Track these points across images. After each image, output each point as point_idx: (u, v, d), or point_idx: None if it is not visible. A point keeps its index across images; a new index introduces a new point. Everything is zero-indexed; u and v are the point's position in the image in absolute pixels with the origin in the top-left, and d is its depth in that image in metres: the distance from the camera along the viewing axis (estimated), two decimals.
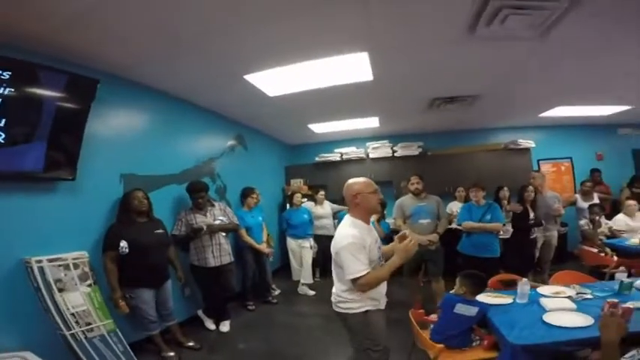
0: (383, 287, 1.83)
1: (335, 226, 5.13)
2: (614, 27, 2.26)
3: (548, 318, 1.90)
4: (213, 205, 3.45)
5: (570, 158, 5.92)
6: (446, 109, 4.35)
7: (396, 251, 1.77)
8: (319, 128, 5.33)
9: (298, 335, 3.29)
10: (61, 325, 2.12)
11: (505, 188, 4.19)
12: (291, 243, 4.64)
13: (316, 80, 3.16)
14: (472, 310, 2.04)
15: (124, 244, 2.58)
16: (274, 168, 6.06)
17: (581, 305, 2.07)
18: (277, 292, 4.44)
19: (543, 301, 2.15)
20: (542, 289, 2.38)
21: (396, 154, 5.89)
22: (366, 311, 1.76)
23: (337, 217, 5.27)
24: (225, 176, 4.30)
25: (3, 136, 2.01)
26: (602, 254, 3.60)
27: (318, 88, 3.31)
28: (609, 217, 4.42)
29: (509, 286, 2.42)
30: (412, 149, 5.83)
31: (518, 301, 2.23)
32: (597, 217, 4.26)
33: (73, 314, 2.19)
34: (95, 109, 2.47)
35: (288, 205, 5.49)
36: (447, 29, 2.26)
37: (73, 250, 2.42)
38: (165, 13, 1.98)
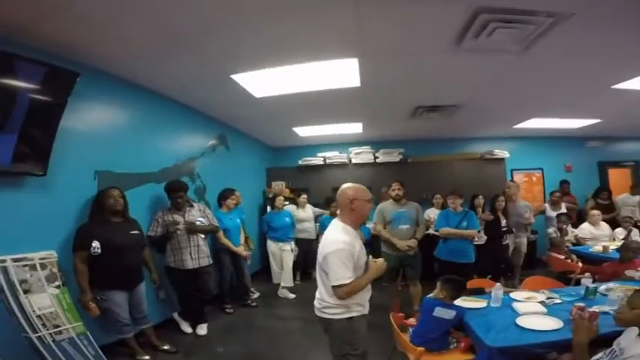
0: (368, 293, 1.84)
1: (316, 230, 5.20)
2: (591, 44, 2.41)
3: (521, 321, 1.98)
4: (192, 206, 3.37)
5: (541, 169, 6.24)
6: (428, 118, 4.49)
7: (371, 268, 1.80)
8: (304, 131, 5.34)
9: (278, 339, 3.26)
10: (27, 328, 2.00)
11: (480, 196, 4.35)
12: (272, 246, 4.60)
13: (304, 84, 3.17)
14: (450, 314, 2.09)
15: (96, 244, 2.46)
16: (256, 169, 5.99)
17: (551, 309, 2.17)
18: (256, 295, 4.38)
19: (516, 305, 2.25)
20: (515, 294, 2.48)
21: (377, 160, 5.99)
22: (351, 317, 1.76)
23: (319, 220, 5.28)
24: (205, 176, 4.21)
25: None
26: (569, 261, 3.79)
27: (306, 91, 3.33)
28: (575, 225, 4.69)
29: (477, 293, 2.51)
30: (393, 156, 5.95)
31: (492, 305, 2.31)
32: (564, 226, 4.52)
33: (39, 316, 2.07)
34: (72, 102, 2.36)
35: (269, 208, 5.45)
36: (435, 40, 2.33)
37: (41, 249, 2.28)
38: (153, 9, 1.94)
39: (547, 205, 5.13)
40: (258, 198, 5.92)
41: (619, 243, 3.89)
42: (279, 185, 6.03)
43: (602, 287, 2.44)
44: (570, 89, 3.52)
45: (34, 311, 2.05)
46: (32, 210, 2.32)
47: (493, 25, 2.02)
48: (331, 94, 3.44)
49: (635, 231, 4.38)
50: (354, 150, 6.08)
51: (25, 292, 2.07)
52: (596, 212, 4.56)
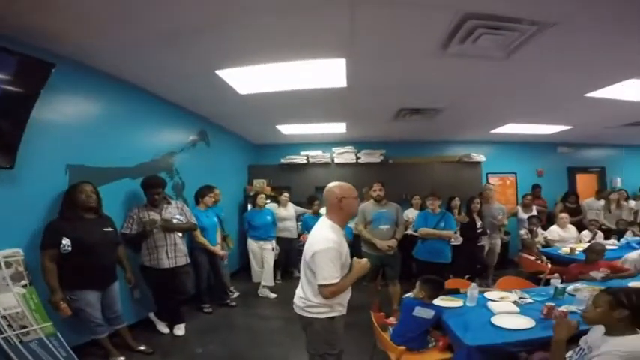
0: (348, 293, 1.85)
1: (298, 229, 5.19)
2: (568, 53, 2.53)
3: (496, 320, 2.07)
4: (169, 203, 3.27)
5: (515, 173, 6.51)
6: (410, 120, 4.57)
7: (354, 267, 1.81)
8: (287, 130, 5.30)
9: (259, 338, 3.23)
10: None
11: (457, 198, 4.48)
12: (252, 244, 4.53)
13: (290, 82, 3.14)
14: (430, 313, 2.15)
15: (66, 241, 2.34)
16: (237, 167, 5.89)
17: (524, 308, 2.28)
18: (236, 294, 4.31)
19: (490, 304, 2.34)
20: (489, 294, 2.58)
21: (359, 161, 6.04)
22: (333, 317, 1.77)
23: (301, 219, 5.27)
24: (184, 173, 4.10)
25: None
26: (539, 261, 3.99)
27: (291, 89, 3.30)
28: (545, 228, 4.93)
29: (452, 292, 2.59)
30: (375, 157, 6.03)
31: (467, 304, 2.39)
32: (535, 228, 4.74)
33: (4, 317, 1.98)
34: (46, 93, 2.23)
35: (249, 206, 5.38)
36: (423, 44, 2.37)
37: (6, 247, 2.16)
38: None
39: (519, 208, 5.36)
40: (238, 196, 5.83)
41: (584, 245, 4.14)
42: (260, 183, 5.97)
43: (570, 287, 2.59)
44: (547, 96, 3.67)
45: None
46: None
47: (480, 31, 2.08)
48: (317, 94, 3.44)
49: (599, 234, 4.66)
50: (337, 150, 6.11)
51: None
52: (564, 215, 4.81)
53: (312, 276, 1.73)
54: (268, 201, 4.97)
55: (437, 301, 2.28)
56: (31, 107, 2.18)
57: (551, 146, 6.48)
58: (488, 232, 4.52)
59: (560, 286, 2.56)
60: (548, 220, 5.46)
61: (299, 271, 5.77)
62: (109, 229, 2.66)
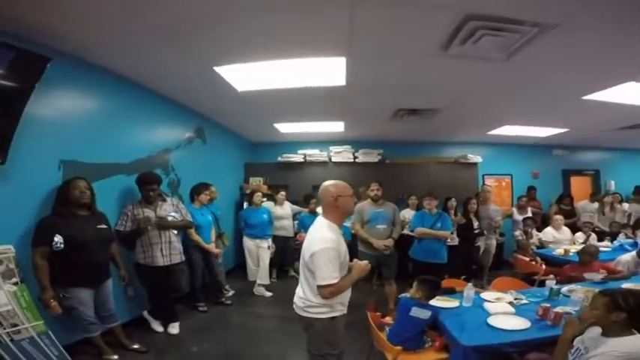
0: (349, 293, 1.84)
1: (294, 228, 5.17)
2: (568, 55, 2.53)
3: (492, 321, 2.07)
4: (164, 200, 3.23)
5: (511, 175, 6.54)
6: (408, 120, 4.57)
7: (355, 269, 1.81)
8: (285, 128, 5.27)
9: (254, 337, 3.21)
10: None
11: (453, 199, 4.50)
12: (248, 242, 4.51)
13: (289, 80, 3.11)
14: (426, 314, 2.15)
15: (58, 238, 2.30)
16: (233, 164, 5.86)
17: (519, 309, 2.28)
18: (231, 292, 4.28)
19: (486, 305, 2.34)
20: (485, 294, 2.58)
21: (357, 160, 6.03)
22: (334, 317, 1.76)
23: (297, 218, 5.25)
24: (180, 169, 4.06)
25: None
26: (534, 263, 4.01)
27: (290, 87, 3.27)
28: (539, 229, 4.96)
29: (448, 293, 2.60)
30: (372, 156, 6.02)
31: (464, 304, 2.40)
32: (530, 229, 4.77)
33: None
34: (40, 88, 2.19)
35: (245, 204, 5.35)
36: (424, 44, 2.36)
37: None
38: None
39: (514, 209, 5.39)
40: (234, 193, 5.80)
41: (579, 247, 4.17)
42: (257, 181, 5.94)
43: (565, 289, 2.60)
44: (545, 98, 3.68)
45: None
46: None
47: (481, 32, 2.07)
48: (316, 92, 3.42)
49: (593, 236, 4.71)
50: (335, 149, 6.09)
51: None
52: (559, 217, 4.85)
53: (311, 276, 1.71)
54: (265, 199, 4.95)
55: (433, 302, 2.28)
56: (24, 102, 2.14)
57: (546, 148, 6.52)
58: (485, 232, 4.54)
59: (555, 287, 2.57)
60: (542, 221, 5.50)
61: (295, 270, 5.81)
62: (103, 226, 2.62)
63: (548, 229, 4.80)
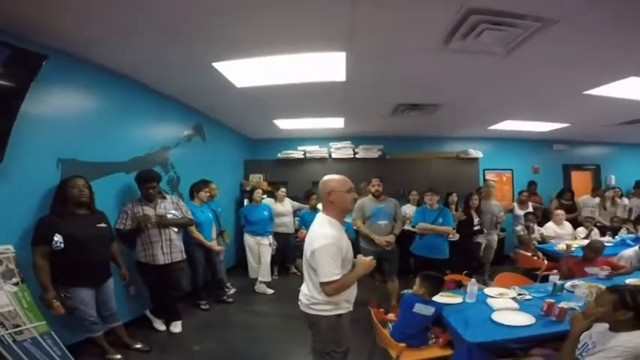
0: (354, 289, 1.82)
1: (295, 224, 5.16)
2: (570, 50, 2.50)
3: (496, 317, 2.07)
4: (164, 198, 3.20)
5: (511, 170, 6.53)
6: (408, 116, 4.54)
7: (359, 265, 1.78)
8: (284, 124, 5.24)
9: (258, 335, 3.20)
10: None
11: (454, 194, 4.49)
12: (249, 240, 4.49)
13: (289, 75, 3.08)
14: (430, 310, 2.14)
15: (58, 238, 2.28)
16: (233, 161, 5.83)
17: (523, 305, 2.28)
18: (232, 290, 4.27)
19: (490, 301, 2.34)
20: (488, 290, 2.58)
21: (357, 156, 6.01)
22: (340, 315, 1.74)
23: (298, 215, 5.24)
24: (179, 167, 4.04)
25: None
26: (535, 258, 4.01)
27: (290, 83, 3.23)
28: (540, 224, 4.96)
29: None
30: (372, 152, 5.99)
31: (467, 300, 2.39)
32: (531, 224, 4.76)
33: None
34: (36, 85, 2.16)
35: (246, 201, 5.33)
36: (425, 39, 2.33)
37: None
38: None
39: (515, 204, 5.37)
40: (235, 190, 5.78)
41: (580, 241, 4.18)
42: (257, 178, 5.91)
43: (569, 284, 2.59)
44: (546, 93, 3.65)
45: None
46: None
47: (482, 26, 2.04)
48: (316, 88, 3.38)
49: (595, 230, 4.70)
50: (335, 145, 6.07)
51: None
52: (560, 212, 4.84)
53: (314, 273, 1.69)
54: (265, 196, 4.93)
55: (437, 298, 2.27)
56: (20, 100, 2.11)
57: (547, 143, 6.50)
58: (485, 230, 4.53)
59: (559, 282, 2.56)
60: (543, 216, 5.49)
61: (296, 267, 5.79)
62: (103, 225, 2.60)
63: (550, 224, 4.79)
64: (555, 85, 3.37)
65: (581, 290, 2.34)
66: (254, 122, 5.25)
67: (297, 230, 5.14)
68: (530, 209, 5.17)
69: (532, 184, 5.97)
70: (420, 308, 2.14)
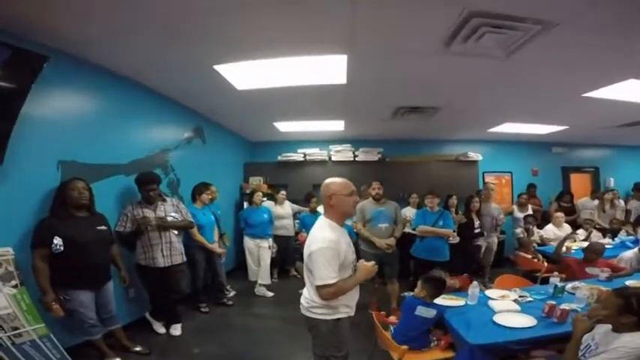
0: (356, 294, 1.81)
1: (295, 227, 5.15)
2: (569, 53, 2.52)
3: (498, 319, 2.06)
4: (164, 200, 3.19)
5: (510, 172, 6.54)
6: (408, 119, 4.55)
7: (360, 270, 1.76)
8: (284, 127, 5.24)
9: (257, 338, 3.19)
10: None
11: (454, 197, 4.50)
12: (249, 242, 4.48)
13: (290, 78, 3.08)
14: (431, 312, 2.14)
15: (58, 240, 2.27)
16: (233, 164, 5.83)
17: (525, 307, 2.28)
18: (232, 293, 4.26)
19: (492, 303, 2.33)
20: (489, 292, 2.58)
21: (356, 159, 6.02)
22: (338, 319, 1.72)
23: (298, 217, 5.23)
24: (179, 169, 4.03)
25: None
26: (535, 260, 4.00)
27: (291, 86, 3.24)
28: (540, 227, 4.96)
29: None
30: (372, 155, 6.01)
31: (469, 302, 2.39)
32: (531, 227, 4.77)
33: None
34: (37, 87, 2.16)
35: (245, 204, 5.32)
36: (426, 41, 2.34)
37: None
38: None
39: (515, 207, 5.38)
40: (234, 193, 5.77)
41: (579, 244, 4.18)
42: (256, 181, 5.91)
43: (569, 286, 2.59)
44: (545, 95, 3.67)
45: None
46: None
47: (483, 29, 2.05)
48: (316, 90, 3.39)
49: (594, 232, 4.71)
50: (335, 147, 6.08)
51: None
52: (559, 214, 4.84)
53: (312, 276, 1.68)
54: (265, 199, 4.92)
55: (438, 300, 2.27)
56: (21, 101, 2.10)
57: (546, 146, 6.52)
58: (485, 233, 4.53)
59: (559, 284, 2.57)
60: (542, 219, 5.49)
61: (296, 270, 5.76)
62: (103, 228, 2.59)
63: (549, 227, 4.79)
64: (555, 88, 3.39)
65: (582, 292, 2.34)
66: (254, 125, 5.25)
67: (297, 233, 5.13)
68: (530, 212, 5.18)
69: (531, 187, 5.98)
70: (421, 311, 2.14)
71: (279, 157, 6.03)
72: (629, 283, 2.61)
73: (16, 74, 2.04)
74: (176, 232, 3.18)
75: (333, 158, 6.08)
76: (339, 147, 6.05)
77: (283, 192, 5.11)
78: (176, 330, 3.19)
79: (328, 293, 1.61)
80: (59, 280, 2.31)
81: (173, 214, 3.16)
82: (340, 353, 1.74)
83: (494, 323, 2.02)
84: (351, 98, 3.77)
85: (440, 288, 2.26)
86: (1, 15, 1.97)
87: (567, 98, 3.70)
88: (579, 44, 2.35)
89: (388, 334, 2.17)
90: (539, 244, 4.54)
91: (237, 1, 1.91)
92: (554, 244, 4.46)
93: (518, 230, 4.87)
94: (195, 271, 3.72)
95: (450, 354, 2.06)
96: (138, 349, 2.78)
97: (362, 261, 1.82)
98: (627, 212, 5.47)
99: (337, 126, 5.23)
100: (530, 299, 2.43)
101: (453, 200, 4.41)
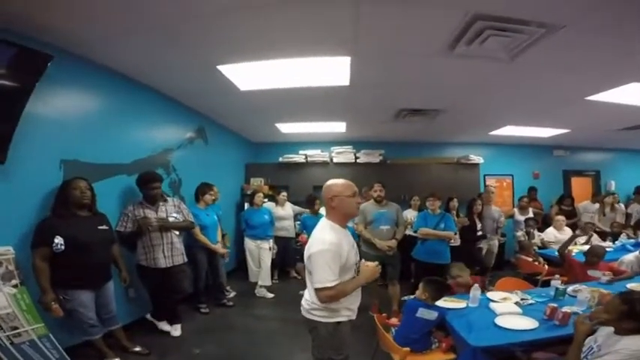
0: (357, 297, 1.78)
1: (296, 229, 5.14)
2: (573, 56, 2.53)
3: (499, 321, 2.06)
4: (165, 201, 3.18)
5: (512, 175, 6.54)
6: (410, 121, 4.55)
7: (363, 271, 1.75)
8: (286, 128, 5.25)
9: (258, 339, 3.18)
10: None
11: (455, 199, 4.50)
12: (250, 243, 4.47)
13: (293, 79, 3.09)
14: (433, 315, 2.13)
15: (59, 240, 2.26)
16: (234, 165, 5.84)
17: (526, 309, 2.27)
18: (233, 294, 4.25)
19: (493, 305, 2.33)
20: (491, 295, 2.57)
21: (358, 161, 6.02)
22: (339, 322, 1.70)
23: (299, 219, 5.23)
24: (181, 169, 4.03)
25: None
26: (536, 263, 4.00)
27: (293, 87, 3.25)
28: (540, 230, 4.96)
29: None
30: (374, 157, 6.01)
31: (470, 305, 2.38)
32: (532, 230, 4.77)
33: None
34: (40, 86, 2.16)
35: (246, 205, 5.32)
36: (430, 44, 2.34)
37: None
38: None
39: (516, 210, 5.38)
40: (235, 194, 5.77)
41: (580, 247, 4.18)
42: (258, 182, 5.91)
43: (571, 288, 2.59)
44: (548, 98, 3.67)
45: None
46: None
47: (488, 32, 2.05)
48: (319, 92, 3.40)
49: (595, 236, 4.70)
50: (336, 149, 6.08)
51: None
52: (560, 218, 4.84)
53: (312, 278, 1.67)
54: (266, 200, 4.92)
55: (440, 302, 2.26)
56: (25, 100, 2.11)
57: (547, 149, 6.52)
58: (488, 235, 4.52)
59: (561, 287, 2.56)
60: (543, 222, 5.49)
61: (296, 271, 5.74)
62: (104, 227, 2.59)
63: (550, 230, 4.79)
64: (557, 91, 3.40)
65: (584, 295, 2.34)
66: (256, 125, 5.26)
67: (298, 234, 5.13)
68: (531, 215, 5.18)
69: (532, 190, 5.98)
70: (423, 313, 2.13)
71: (281, 159, 6.03)
72: (631, 286, 2.60)
73: (21, 73, 2.05)
74: (177, 232, 3.17)
75: (335, 160, 6.08)
76: (340, 149, 6.06)
77: (284, 193, 5.10)
78: (176, 330, 3.18)
79: (327, 296, 1.59)
80: (60, 280, 2.30)
81: (174, 214, 3.16)
82: (339, 356, 1.72)
83: (496, 325, 2.02)
84: (353, 100, 3.78)
85: (442, 290, 2.25)
86: (6, 13, 1.98)
87: (570, 101, 3.71)
88: (581, 47, 2.35)
89: (390, 336, 2.17)
90: (539, 247, 4.54)
91: (240, 2, 1.92)
92: (554, 247, 4.46)
93: (519, 233, 4.87)
94: (197, 272, 3.72)
95: (451, 356, 2.06)
96: (138, 349, 2.77)
97: (364, 261, 1.81)
98: (628, 216, 5.47)
99: (339, 127, 5.24)
100: (532, 302, 2.43)
101: (454, 203, 4.41)
